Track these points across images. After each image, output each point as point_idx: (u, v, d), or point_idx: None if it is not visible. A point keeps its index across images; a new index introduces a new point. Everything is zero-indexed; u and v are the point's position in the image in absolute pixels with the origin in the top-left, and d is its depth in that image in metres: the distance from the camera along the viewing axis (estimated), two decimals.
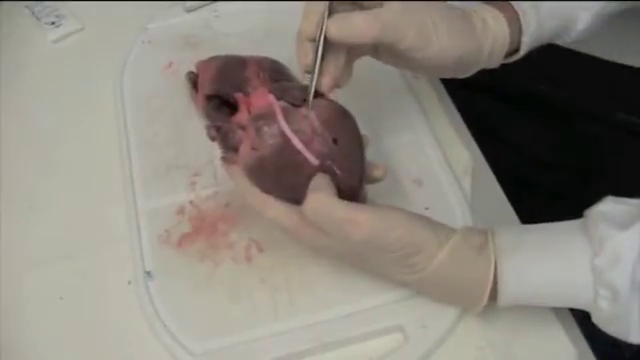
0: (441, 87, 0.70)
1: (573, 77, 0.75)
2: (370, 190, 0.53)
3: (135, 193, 0.62)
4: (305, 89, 0.51)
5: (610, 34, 0.61)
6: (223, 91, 0.59)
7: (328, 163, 0.49)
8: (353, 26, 0.49)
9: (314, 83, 0.51)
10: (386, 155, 0.63)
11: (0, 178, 0.66)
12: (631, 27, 0.67)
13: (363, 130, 0.53)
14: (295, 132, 0.49)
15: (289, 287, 0.55)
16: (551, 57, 0.64)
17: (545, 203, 0.73)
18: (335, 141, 0.50)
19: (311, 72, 0.51)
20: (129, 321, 0.55)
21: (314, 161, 0.49)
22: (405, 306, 0.53)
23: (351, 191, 0.50)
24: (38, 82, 0.75)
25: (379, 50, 0.55)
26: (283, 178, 0.50)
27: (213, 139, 0.54)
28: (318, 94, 0.52)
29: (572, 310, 0.53)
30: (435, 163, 0.62)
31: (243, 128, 0.52)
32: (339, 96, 0.53)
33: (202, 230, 0.59)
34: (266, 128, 0.50)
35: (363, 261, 0.51)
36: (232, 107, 0.58)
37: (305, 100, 0.51)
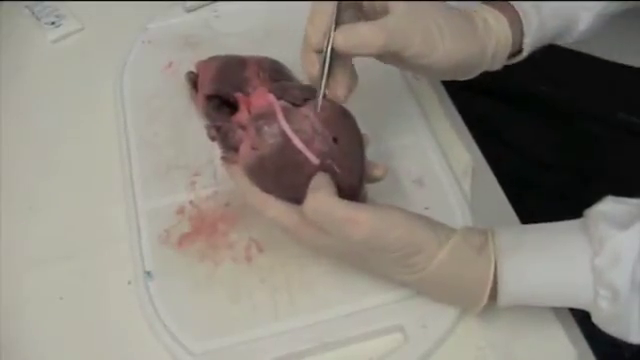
0: (442, 88, 0.70)
1: (574, 77, 0.75)
2: (370, 190, 0.53)
3: (135, 193, 0.62)
4: (305, 89, 0.52)
5: (611, 34, 0.61)
6: (223, 91, 0.59)
7: (328, 162, 0.49)
8: (360, 36, 0.50)
9: (322, 92, 0.51)
10: (387, 155, 0.63)
11: (0, 178, 0.66)
12: (632, 27, 0.67)
13: (363, 130, 0.53)
14: (295, 131, 0.49)
15: (289, 287, 0.55)
16: (552, 58, 0.63)
17: (545, 203, 0.72)
18: (335, 140, 0.50)
19: (319, 82, 0.51)
20: (129, 321, 0.55)
21: (314, 160, 0.49)
22: (405, 306, 0.53)
23: (351, 190, 0.50)
24: (38, 82, 0.75)
25: (384, 56, 0.55)
26: (283, 177, 0.50)
27: (213, 139, 0.54)
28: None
29: (572, 310, 0.53)
30: (435, 163, 0.62)
31: (243, 128, 0.52)
32: None
33: (202, 230, 0.59)
34: (266, 127, 0.50)
35: (363, 261, 0.51)
36: (232, 107, 0.58)
37: (306, 100, 0.51)
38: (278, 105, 0.50)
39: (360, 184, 0.51)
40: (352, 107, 0.53)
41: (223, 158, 0.54)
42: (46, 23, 0.80)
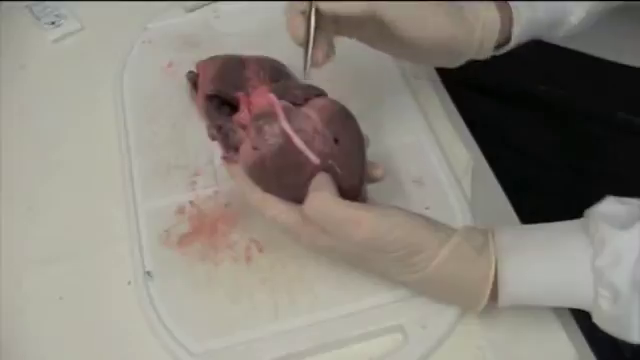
0: (442, 88, 0.70)
1: (573, 77, 0.75)
2: (370, 190, 0.53)
3: (135, 193, 0.62)
4: (306, 88, 0.52)
5: (610, 34, 0.61)
6: (223, 91, 0.59)
7: (329, 162, 0.49)
8: None
9: (309, 55, 0.51)
10: (387, 155, 0.63)
11: (0, 178, 0.66)
12: (631, 27, 0.67)
13: (364, 130, 0.52)
14: (296, 131, 0.49)
15: (289, 287, 0.55)
16: (551, 57, 0.63)
17: (545, 203, 0.72)
18: (336, 140, 0.50)
19: (304, 44, 0.51)
20: (129, 321, 0.55)
21: (315, 160, 0.49)
22: (405, 306, 0.53)
23: (352, 190, 0.50)
24: (38, 82, 0.75)
25: (369, 30, 0.54)
26: (284, 177, 0.50)
27: (214, 139, 0.54)
28: (319, 94, 0.52)
29: (572, 310, 0.53)
30: (435, 163, 0.62)
31: (244, 127, 0.52)
32: (340, 96, 0.53)
33: (202, 230, 0.59)
34: (267, 127, 0.49)
35: (363, 261, 0.51)
36: (232, 107, 0.58)
37: (306, 99, 0.51)
38: (279, 105, 0.50)
39: (361, 184, 0.51)
40: (352, 107, 0.52)
41: (223, 158, 0.54)
42: (46, 23, 0.80)
